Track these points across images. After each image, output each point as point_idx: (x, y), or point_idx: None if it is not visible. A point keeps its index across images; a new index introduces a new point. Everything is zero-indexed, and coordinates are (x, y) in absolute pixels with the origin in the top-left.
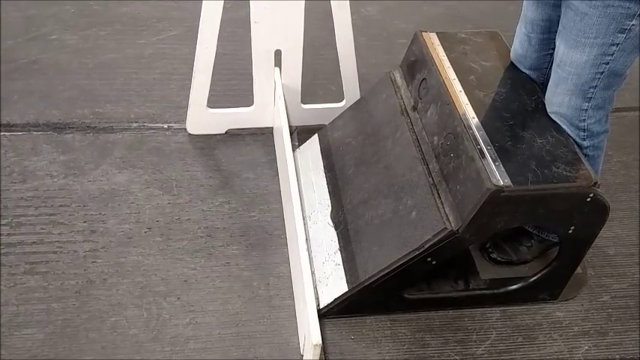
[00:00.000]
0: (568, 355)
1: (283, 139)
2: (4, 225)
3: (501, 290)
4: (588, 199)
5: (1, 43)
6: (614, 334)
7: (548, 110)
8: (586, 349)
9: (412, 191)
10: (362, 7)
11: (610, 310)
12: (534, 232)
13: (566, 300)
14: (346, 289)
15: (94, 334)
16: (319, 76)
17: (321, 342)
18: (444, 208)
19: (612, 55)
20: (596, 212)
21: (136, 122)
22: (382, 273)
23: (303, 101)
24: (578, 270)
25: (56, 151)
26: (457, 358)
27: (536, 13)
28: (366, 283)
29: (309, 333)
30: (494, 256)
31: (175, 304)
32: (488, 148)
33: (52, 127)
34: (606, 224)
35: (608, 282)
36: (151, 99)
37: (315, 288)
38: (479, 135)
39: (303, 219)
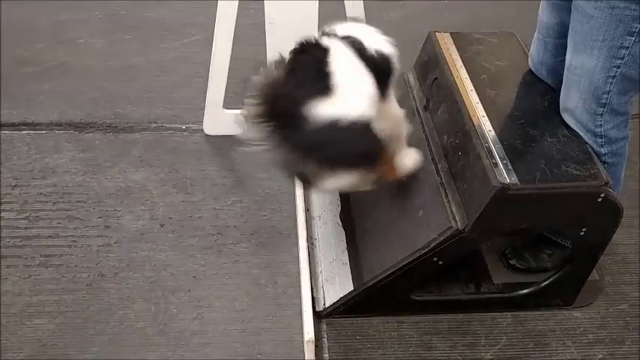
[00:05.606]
0: None
1: None
2: (22, 219)
3: (512, 295)
4: (599, 200)
5: (32, 47)
6: (631, 343)
7: (563, 116)
8: (600, 358)
9: (420, 190)
10: (385, 12)
11: (628, 319)
12: (558, 239)
13: (581, 307)
14: (351, 288)
15: (101, 326)
16: None
17: (313, 338)
18: (450, 207)
19: (622, 58)
20: (608, 213)
21: (155, 123)
22: (387, 272)
23: None
24: (595, 276)
25: (76, 150)
26: None
27: (550, 17)
28: (370, 283)
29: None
30: (512, 262)
31: (183, 300)
32: (497, 146)
33: (74, 126)
34: (627, 231)
35: (627, 290)
36: (171, 101)
37: (322, 287)
38: (487, 133)
39: (313, 219)
